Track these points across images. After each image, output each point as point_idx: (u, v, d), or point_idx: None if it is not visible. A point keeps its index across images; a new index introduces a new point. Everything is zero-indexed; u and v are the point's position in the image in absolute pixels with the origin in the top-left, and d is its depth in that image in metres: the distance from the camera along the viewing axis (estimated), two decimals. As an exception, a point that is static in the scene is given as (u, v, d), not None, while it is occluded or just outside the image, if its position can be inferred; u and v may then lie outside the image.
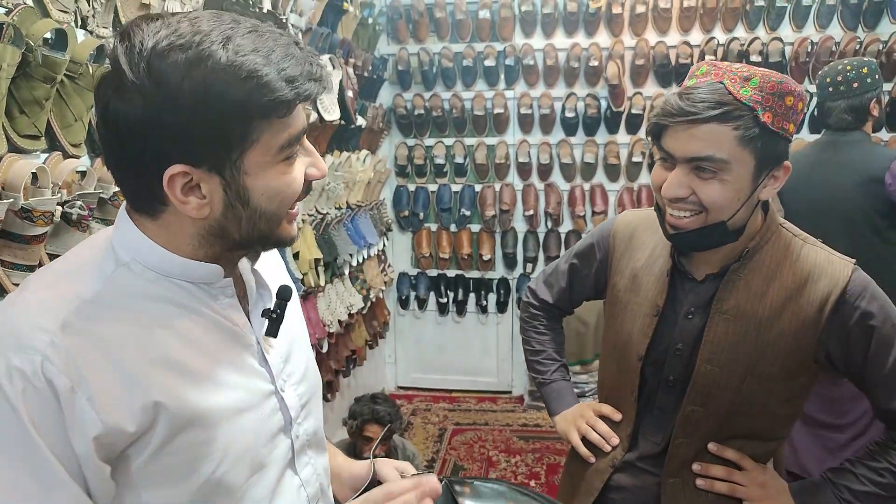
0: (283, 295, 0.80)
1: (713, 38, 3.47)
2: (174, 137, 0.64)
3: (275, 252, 0.89)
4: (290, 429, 0.81)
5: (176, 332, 0.71)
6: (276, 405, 0.79)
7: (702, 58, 3.46)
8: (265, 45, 0.65)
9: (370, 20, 3.48)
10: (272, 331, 0.79)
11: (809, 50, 3.38)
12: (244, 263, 0.81)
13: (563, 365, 1.46)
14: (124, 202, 0.76)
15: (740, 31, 3.49)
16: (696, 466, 1.16)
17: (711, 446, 1.15)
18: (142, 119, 0.63)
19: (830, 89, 2.18)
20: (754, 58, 3.41)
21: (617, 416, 1.27)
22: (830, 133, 2.23)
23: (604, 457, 1.27)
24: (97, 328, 0.66)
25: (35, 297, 0.67)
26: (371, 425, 2.48)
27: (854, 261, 1.10)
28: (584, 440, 1.30)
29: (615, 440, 1.26)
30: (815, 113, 3.41)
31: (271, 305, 0.80)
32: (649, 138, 1.11)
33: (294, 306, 0.87)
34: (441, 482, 0.85)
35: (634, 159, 3.64)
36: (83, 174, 1.53)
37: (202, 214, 0.68)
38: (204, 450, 0.70)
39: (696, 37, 3.52)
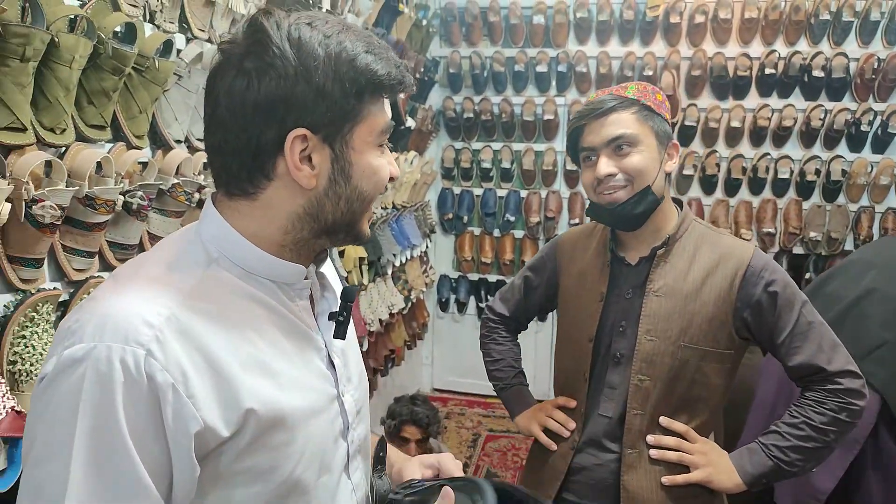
0: (349, 297, 0.80)
1: (774, 50, 3.38)
2: (302, 104, 0.69)
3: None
4: (347, 433, 0.82)
5: (262, 333, 0.72)
6: (338, 409, 0.80)
7: (762, 70, 3.38)
8: (372, 37, 0.74)
9: (424, 22, 3.49)
10: (340, 333, 0.80)
11: (876, 67, 3.27)
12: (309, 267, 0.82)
13: (521, 372, 1.62)
14: (209, 196, 0.77)
15: (803, 45, 3.39)
16: (650, 438, 1.31)
17: (662, 420, 1.31)
18: (274, 88, 0.68)
19: None
20: (816, 73, 3.31)
21: (572, 404, 1.42)
22: None
23: (564, 441, 1.41)
24: (198, 327, 0.66)
25: (138, 289, 0.67)
26: (409, 426, 2.48)
27: (755, 244, 1.23)
28: (545, 430, 1.45)
29: (572, 424, 1.40)
30: (879, 132, 3.32)
31: (336, 308, 0.81)
32: (568, 154, 1.37)
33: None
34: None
35: (685, 172, 3.56)
36: (144, 165, 1.56)
37: (310, 185, 0.72)
38: (285, 450, 0.71)
39: (757, 49, 3.43)
